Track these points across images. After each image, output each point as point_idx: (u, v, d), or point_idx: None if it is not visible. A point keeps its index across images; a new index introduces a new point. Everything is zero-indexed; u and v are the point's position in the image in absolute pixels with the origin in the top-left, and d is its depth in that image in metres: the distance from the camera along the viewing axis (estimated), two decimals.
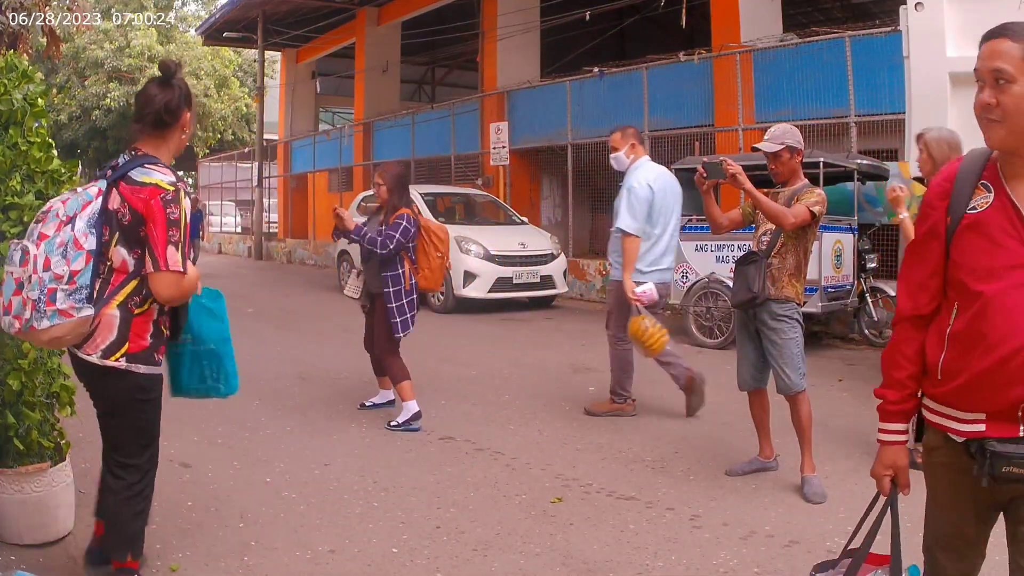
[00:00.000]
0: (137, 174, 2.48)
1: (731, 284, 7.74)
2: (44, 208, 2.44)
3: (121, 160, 2.53)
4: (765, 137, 3.97)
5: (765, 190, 3.97)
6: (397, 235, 4.79)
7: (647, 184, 5.00)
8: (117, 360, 2.49)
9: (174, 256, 2.43)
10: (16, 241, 2.42)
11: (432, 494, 3.84)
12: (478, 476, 4.10)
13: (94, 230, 2.42)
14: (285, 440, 4.71)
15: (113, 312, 2.48)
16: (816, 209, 3.81)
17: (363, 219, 5.57)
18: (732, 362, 7.15)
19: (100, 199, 2.45)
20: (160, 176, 2.48)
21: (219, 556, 3.14)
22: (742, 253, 4.10)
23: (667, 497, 3.81)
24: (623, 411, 5.31)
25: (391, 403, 5.36)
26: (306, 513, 3.59)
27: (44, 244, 2.35)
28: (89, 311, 2.42)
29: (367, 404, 5.41)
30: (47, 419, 3.19)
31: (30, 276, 2.33)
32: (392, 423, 4.93)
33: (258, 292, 12.81)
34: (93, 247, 2.41)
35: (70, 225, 2.38)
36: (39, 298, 2.34)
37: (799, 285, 3.94)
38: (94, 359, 2.48)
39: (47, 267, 2.34)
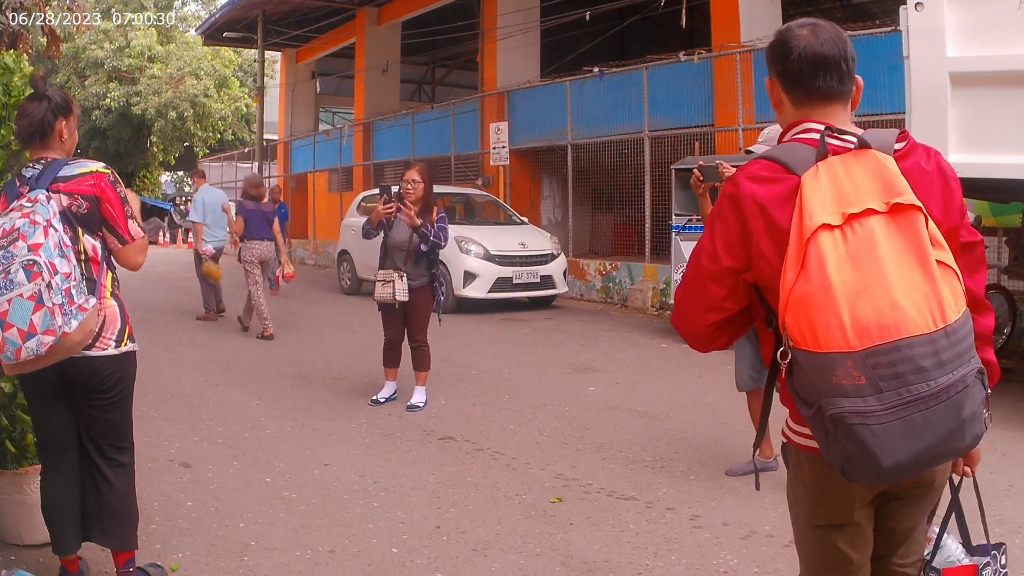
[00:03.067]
0: (68, 171, 2.57)
1: None
2: (6, 227, 2.37)
3: (30, 172, 2.56)
4: (759, 139, 3.97)
5: None
6: (447, 228, 5.45)
7: (201, 199, 9.59)
8: (126, 345, 2.66)
9: (134, 227, 2.66)
10: (4, 263, 2.32)
11: (432, 494, 3.84)
12: (478, 476, 4.10)
13: (65, 229, 2.48)
14: (285, 440, 4.71)
15: (112, 302, 2.63)
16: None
17: (364, 219, 5.71)
18: (731, 362, 7.17)
19: (53, 202, 2.47)
20: (94, 164, 2.64)
21: (219, 556, 3.14)
22: None
23: (667, 497, 3.81)
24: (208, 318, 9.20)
25: (395, 397, 5.56)
26: (306, 513, 3.59)
27: (43, 251, 2.35)
28: (94, 300, 2.51)
29: (380, 400, 5.52)
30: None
31: (49, 283, 2.33)
32: (415, 404, 5.40)
33: None
34: (70, 243, 2.48)
35: (52, 228, 2.41)
36: (63, 301, 2.37)
37: None
38: (110, 351, 2.60)
39: (55, 271, 2.36)
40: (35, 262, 2.33)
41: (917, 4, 5.01)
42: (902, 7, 5.17)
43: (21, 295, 2.32)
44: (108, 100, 26.16)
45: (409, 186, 5.34)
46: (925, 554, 1.80)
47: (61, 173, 2.56)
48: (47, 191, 2.49)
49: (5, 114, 3.04)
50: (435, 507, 3.67)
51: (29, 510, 3.10)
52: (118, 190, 2.63)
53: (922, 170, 1.58)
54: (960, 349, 1.39)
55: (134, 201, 2.74)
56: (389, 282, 5.26)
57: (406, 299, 5.28)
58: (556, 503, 3.73)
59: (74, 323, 2.39)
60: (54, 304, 2.34)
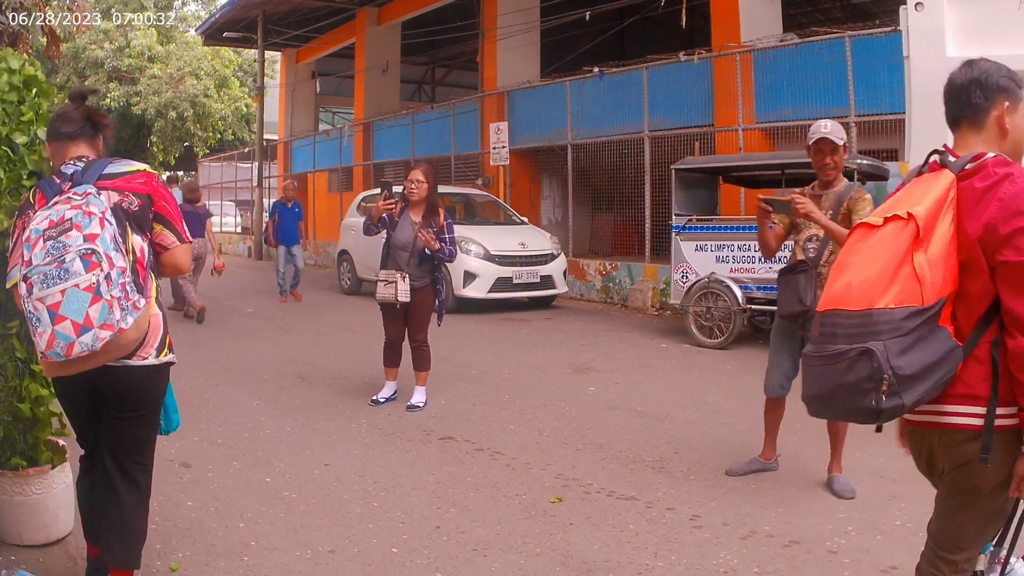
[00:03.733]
0: (115, 168, 2.47)
1: (734, 288, 7.76)
2: (48, 220, 2.22)
3: (70, 169, 2.43)
4: (823, 129, 3.79)
5: (800, 190, 3.86)
6: (455, 236, 5.49)
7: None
8: (166, 355, 2.53)
9: (186, 229, 2.59)
10: (55, 252, 2.16)
11: (432, 494, 3.84)
12: (478, 476, 4.10)
13: (118, 225, 2.33)
14: (285, 440, 4.71)
15: (156, 311, 2.49)
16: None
17: (363, 219, 5.74)
18: (732, 362, 7.18)
19: (104, 196, 2.34)
20: (139, 164, 2.54)
21: (219, 556, 3.14)
22: (782, 263, 3.97)
23: (667, 497, 3.81)
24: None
25: (395, 397, 5.58)
26: (306, 513, 3.59)
27: (100, 242, 2.20)
28: (143, 301, 2.34)
29: (380, 400, 5.53)
30: (36, 437, 3.18)
31: (108, 275, 2.18)
32: (415, 404, 5.42)
33: (258, 292, 12.80)
34: (122, 241, 2.32)
35: (107, 220, 2.26)
36: (121, 295, 2.22)
37: None
38: (150, 361, 2.46)
39: (112, 264, 2.21)
40: (93, 251, 2.17)
41: (917, 4, 5.01)
42: (902, 7, 5.17)
43: (77, 285, 2.14)
44: (108, 100, 26.14)
45: (413, 186, 5.36)
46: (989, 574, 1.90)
47: (107, 170, 2.44)
48: (94, 187, 2.36)
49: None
50: (435, 507, 3.67)
51: (29, 510, 3.10)
52: (169, 191, 2.57)
53: (973, 189, 1.77)
54: (869, 330, 1.68)
55: None
56: (392, 282, 5.28)
57: (408, 300, 5.29)
58: (556, 503, 3.73)
59: (130, 319, 2.24)
60: (113, 297, 2.18)
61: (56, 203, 2.28)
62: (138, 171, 2.50)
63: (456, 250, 5.55)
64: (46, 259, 2.17)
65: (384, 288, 5.33)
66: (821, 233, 3.75)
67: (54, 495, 3.16)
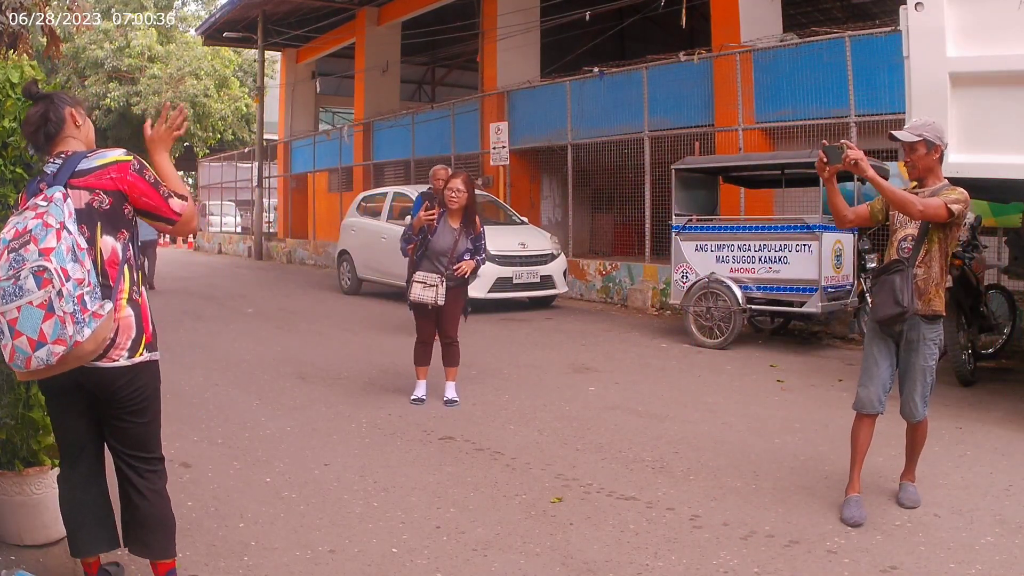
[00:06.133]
0: (88, 163, 2.45)
1: (734, 288, 7.75)
2: (14, 229, 2.29)
3: (51, 168, 2.46)
4: (905, 126, 3.71)
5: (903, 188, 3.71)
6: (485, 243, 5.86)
7: None
8: (142, 355, 2.51)
9: (177, 203, 2.56)
10: (15, 266, 2.24)
11: (432, 494, 3.84)
12: (478, 476, 4.10)
13: (82, 229, 2.37)
14: (285, 440, 4.71)
15: (127, 312, 2.47)
16: (955, 208, 3.44)
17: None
18: (732, 362, 7.18)
19: (70, 201, 2.36)
20: (113, 153, 2.50)
21: (219, 556, 3.14)
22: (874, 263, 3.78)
23: (667, 497, 3.81)
24: None
25: (426, 395, 5.68)
26: (306, 513, 3.59)
27: (54, 256, 2.24)
28: (110, 305, 2.38)
29: (423, 398, 5.64)
30: (39, 443, 3.18)
31: (60, 291, 2.23)
32: (452, 399, 5.60)
33: (258, 292, 12.80)
34: (86, 245, 2.35)
35: (65, 230, 2.29)
36: (75, 309, 2.26)
37: (944, 296, 3.63)
38: (121, 363, 2.46)
39: (67, 277, 2.25)
40: (45, 268, 2.22)
41: (917, 4, 5.01)
42: (902, 7, 5.17)
43: (31, 303, 2.22)
44: (108, 100, 26.15)
45: (453, 194, 5.50)
46: None
47: (80, 166, 2.44)
48: (65, 187, 2.37)
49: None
50: (435, 507, 3.67)
51: (29, 510, 3.11)
52: (147, 177, 2.50)
53: None
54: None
55: (169, 170, 2.63)
56: (432, 286, 5.47)
57: (443, 303, 5.47)
58: (556, 503, 3.73)
59: (87, 331, 2.28)
60: (65, 312, 2.24)
61: (27, 208, 2.34)
62: (110, 164, 2.46)
63: (485, 257, 5.85)
64: (8, 272, 2.24)
65: (422, 290, 5.48)
66: (916, 232, 3.61)
67: (54, 495, 3.14)
